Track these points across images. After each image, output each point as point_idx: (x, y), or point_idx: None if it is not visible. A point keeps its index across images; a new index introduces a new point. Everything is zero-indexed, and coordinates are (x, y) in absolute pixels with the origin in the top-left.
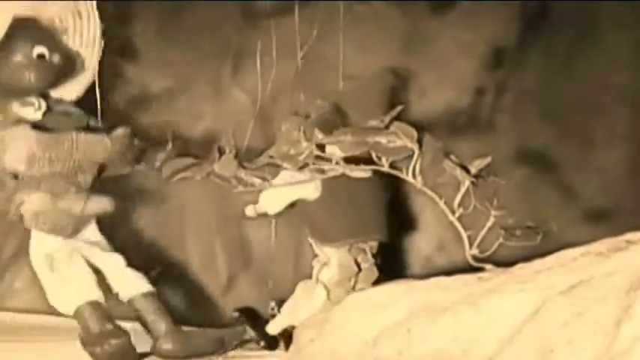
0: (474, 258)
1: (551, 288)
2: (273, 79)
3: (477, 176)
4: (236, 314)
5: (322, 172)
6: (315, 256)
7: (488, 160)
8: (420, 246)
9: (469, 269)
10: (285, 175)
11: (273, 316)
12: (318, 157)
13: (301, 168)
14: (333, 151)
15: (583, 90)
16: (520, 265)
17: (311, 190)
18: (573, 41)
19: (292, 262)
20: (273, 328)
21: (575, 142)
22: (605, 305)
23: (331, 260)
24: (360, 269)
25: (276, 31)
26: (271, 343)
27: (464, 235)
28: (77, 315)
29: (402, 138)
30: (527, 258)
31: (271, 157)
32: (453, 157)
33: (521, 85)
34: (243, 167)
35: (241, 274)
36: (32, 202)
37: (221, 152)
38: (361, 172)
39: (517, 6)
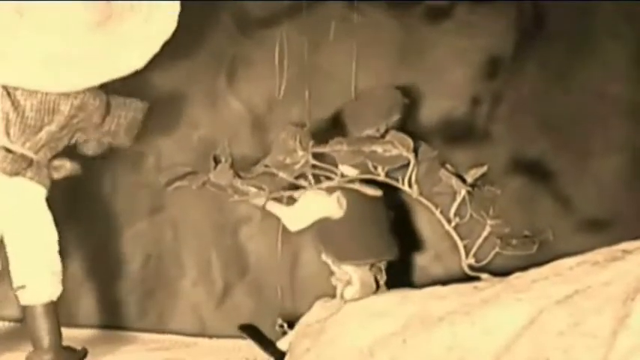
0: (470, 267)
1: (548, 298)
2: (269, 88)
3: (473, 185)
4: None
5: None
6: (332, 273)
7: (485, 169)
8: (416, 256)
9: (465, 278)
10: (310, 193)
11: (284, 333)
12: (314, 167)
13: (297, 178)
14: (348, 171)
15: (579, 100)
16: (516, 275)
17: (335, 209)
18: (569, 51)
19: (288, 273)
20: (286, 344)
21: (571, 152)
22: (601, 315)
23: (353, 278)
24: (378, 286)
25: (271, 40)
26: (280, 358)
27: (460, 244)
28: None
29: (397, 147)
30: (524, 267)
31: (267, 166)
32: (448, 166)
33: (517, 94)
34: (239, 176)
35: (237, 284)
36: None
37: (217, 161)
38: (374, 191)
39: (513, 16)
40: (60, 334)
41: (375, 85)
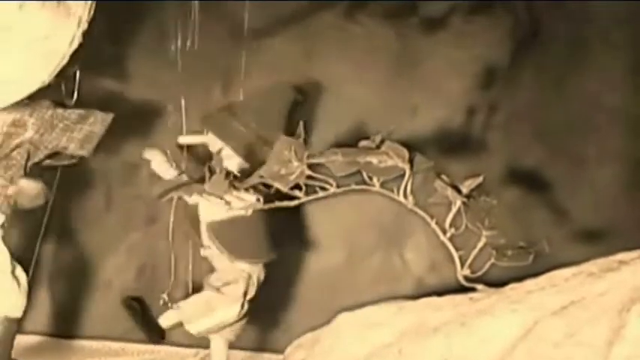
0: (466, 278)
1: (543, 308)
2: None
3: (468, 196)
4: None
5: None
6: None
7: (480, 179)
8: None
9: (460, 289)
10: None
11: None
12: (309, 177)
13: (292, 189)
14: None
15: (575, 109)
16: (512, 286)
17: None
18: (565, 61)
19: None
20: (166, 320)
21: (567, 162)
22: (597, 326)
23: (246, 276)
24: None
25: (267, 51)
26: (156, 335)
27: (455, 255)
28: None
29: (393, 158)
30: (519, 278)
31: (262, 176)
32: (444, 176)
33: (512, 104)
34: (234, 187)
35: None
36: None
37: (211, 172)
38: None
39: (509, 26)
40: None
41: (370, 95)
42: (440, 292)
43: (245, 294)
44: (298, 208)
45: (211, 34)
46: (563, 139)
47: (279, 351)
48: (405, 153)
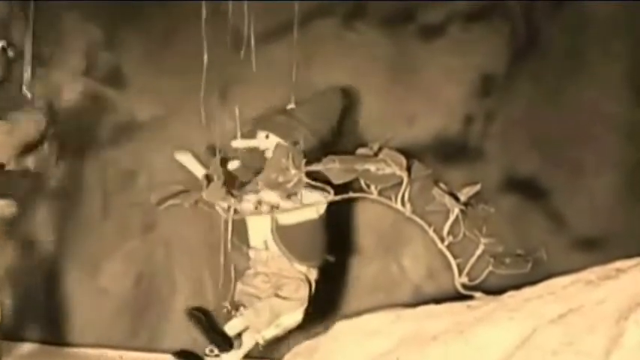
0: (464, 286)
1: (541, 316)
2: (262, 106)
3: (466, 204)
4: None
5: None
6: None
7: (478, 187)
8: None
9: (458, 297)
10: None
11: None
12: (308, 185)
13: (289, 197)
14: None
15: (572, 117)
16: (510, 294)
17: (318, 212)
18: (562, 69)
19: None
20: (232, 328)
21: (565, 170)
22: (594, 334)
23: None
24: None
25: (265, 59)
26: (224, 344)
27: (453, 263)
28: None
29: (390, 165)
30: (517, 286)
31: (260, 184)
32: (442, 184)
33: (510, 112)
34: (232, 195)
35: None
36: None
37: (209, 180)
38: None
39: (506, 34)
40: None
41: (368, 103)
42: (438, 300)
43: (309, 298)
44: None
45: (210, 41)
46: (561, 147)
47: (278, 359)
48: (403, 160)
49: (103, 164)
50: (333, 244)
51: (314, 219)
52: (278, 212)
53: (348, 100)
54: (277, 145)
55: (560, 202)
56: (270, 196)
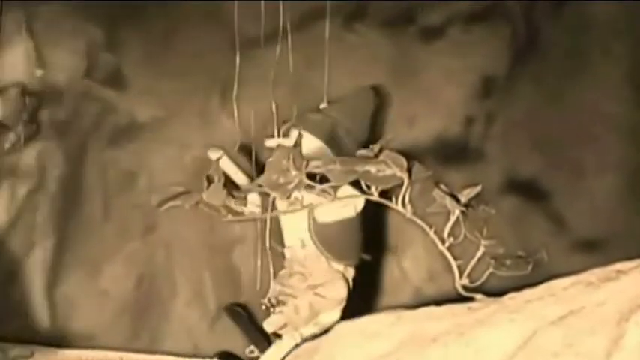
0: (464, 288)
1: (542, 318)
2: (262, 107)
3: (466, 205)
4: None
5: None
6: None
7: (479, 189)
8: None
9: (459, 299)
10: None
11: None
12: (308, 187)
13: (288, 198)
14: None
15: (572, 119)
16: (510, 295)
17: (356, 210)
18: (563, 70)
19: None
20: (270, 325)
21: (565, 171)
22: (595, 336)
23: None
24: None
25: (265, 60)
26: (263, 341)
27: (454, 264)
28: None
29: (391, 167)
30: (518, 287)
31: (260, 185)
32: (442, 186)
33: (510, 114)
34: (232, 196)
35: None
36: None
37: (210, 181)
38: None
39: (507, 36)
40: None
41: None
42: (438, 302)
43: (348, 297)
44: None
45: (209, 42)
46: (562, 148)
47: None
48: (404, 162)
49: (103, 166)
50: (367, 243)
51: (352, 217)
52: (316, 208)
53: (379, 99)
54: (278, 146)
55: (561, 203)
56: (309, 197)
